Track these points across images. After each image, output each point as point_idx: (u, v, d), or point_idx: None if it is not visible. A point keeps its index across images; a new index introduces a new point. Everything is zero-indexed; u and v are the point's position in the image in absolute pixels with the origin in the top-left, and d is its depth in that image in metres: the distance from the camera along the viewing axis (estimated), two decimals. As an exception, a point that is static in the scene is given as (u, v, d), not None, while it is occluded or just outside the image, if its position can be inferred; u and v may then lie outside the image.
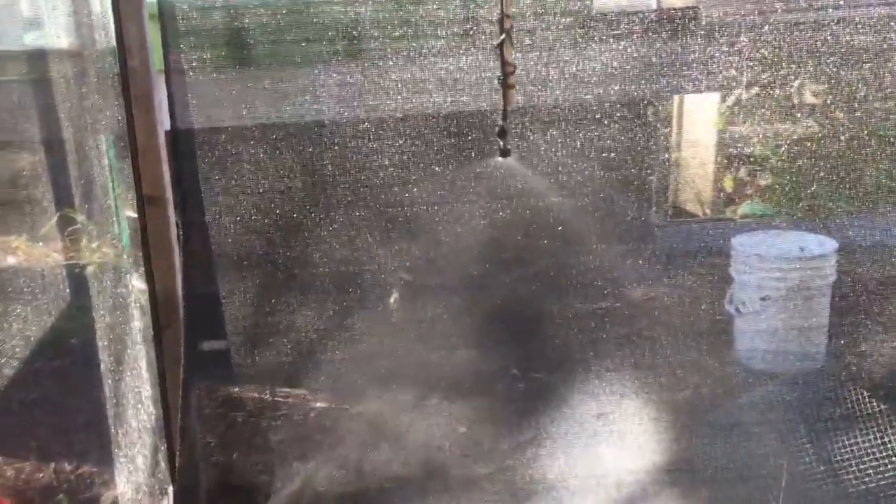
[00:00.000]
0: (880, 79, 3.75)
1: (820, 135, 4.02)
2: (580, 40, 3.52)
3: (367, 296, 3.87)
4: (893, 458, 3.97)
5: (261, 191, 3.77)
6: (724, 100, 4.70)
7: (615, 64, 3.55)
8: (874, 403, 4.09)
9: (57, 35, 4.51)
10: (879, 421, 3.90)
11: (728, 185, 4.93)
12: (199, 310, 3.78)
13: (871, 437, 3.83)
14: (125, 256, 4.37)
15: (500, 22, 3.32)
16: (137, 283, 4.10)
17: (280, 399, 4.03)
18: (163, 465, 3.91)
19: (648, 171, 3.91)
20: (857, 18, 3.65)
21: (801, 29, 3.66)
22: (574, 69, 3.56)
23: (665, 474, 3.87)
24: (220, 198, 3.77)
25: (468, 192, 3.76)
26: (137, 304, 4.11)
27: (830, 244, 4.42)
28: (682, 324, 4.18)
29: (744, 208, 4.91)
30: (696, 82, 3.74)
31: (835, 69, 3.72)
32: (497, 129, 3.42)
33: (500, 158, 3.47)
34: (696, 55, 3.62)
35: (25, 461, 4.33)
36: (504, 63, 3.29)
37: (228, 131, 3.70)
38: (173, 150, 3.66)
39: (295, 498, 3.78)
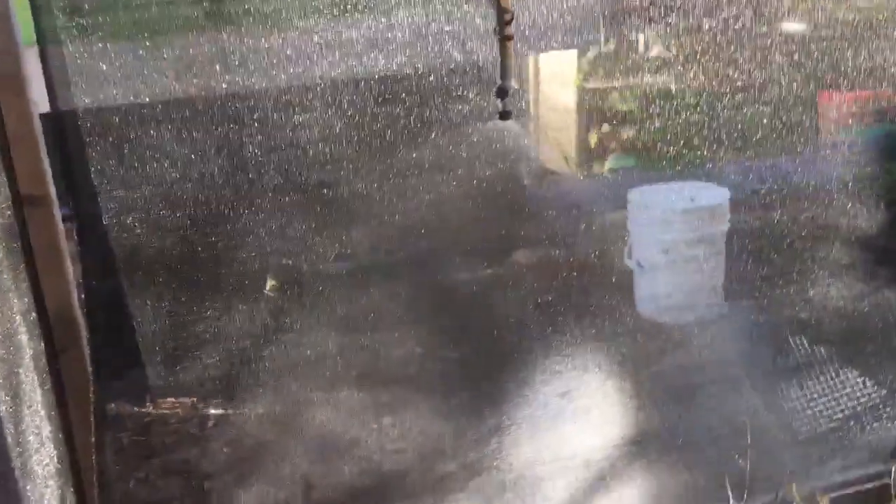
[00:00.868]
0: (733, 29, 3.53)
1: (677, 87, 3.75)
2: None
3: (306, 291, 3.24)
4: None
5: (169, 181, 3.04)
6: (581, 56, 4.46)
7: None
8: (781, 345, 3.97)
9: None
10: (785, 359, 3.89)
11: (592, 140, 4.73)
12: (105, 326, 3.01)
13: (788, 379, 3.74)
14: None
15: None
16: (21, 303, 3.26)
17: (210, 419, 3.33)
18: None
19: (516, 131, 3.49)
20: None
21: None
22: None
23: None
24: (120, 192, 3.03)
25: (412, 166, 3.20)
26: (24, 328, 3.28)
27: (722, 193, 4.22)
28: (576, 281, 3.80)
29: (610, 162, 4.70)
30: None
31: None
32: (495, 88, 2.89)
33: (498, 121, 2.93)
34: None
35: None
36: (500, 10, 2.76)
37: (123, 111, 2.96)
38: (54, 138, 2.87)
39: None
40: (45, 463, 3.14)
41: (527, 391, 3.65)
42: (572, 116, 4.74)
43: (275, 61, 3.11)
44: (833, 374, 3.86)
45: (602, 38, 3.75)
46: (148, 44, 3.05)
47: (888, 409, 3.63)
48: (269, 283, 3.29)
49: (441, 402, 3.64)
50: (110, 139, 3.06)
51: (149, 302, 3.15)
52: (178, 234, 3.14)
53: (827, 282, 4.09)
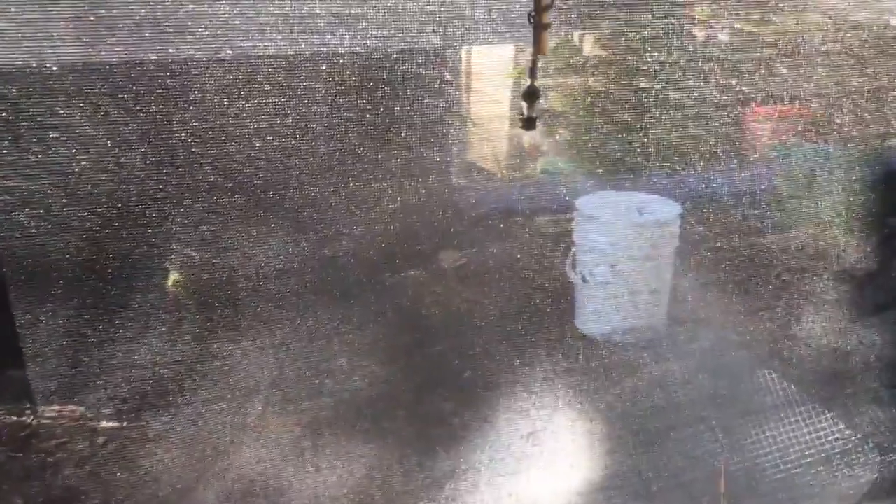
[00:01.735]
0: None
1: (614, 89, 3.45)
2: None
3: (243, 312, 2.60)
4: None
5: (76, 170, 2.35)
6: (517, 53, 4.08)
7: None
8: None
9: None
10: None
11: (525, 141, 4.36)
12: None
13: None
14: None
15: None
16: None
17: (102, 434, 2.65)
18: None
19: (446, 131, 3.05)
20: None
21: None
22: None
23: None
24: (7, 182, 2.30)
25: (377, 167, 2.63)
26: None
27: (673, 207, 3.94)
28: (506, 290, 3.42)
29: (542, 164, 4.34)
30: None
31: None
32: (524, 89, 2.28)
33: (521, 130, 2.33)
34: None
35: None
36: None
37: (19, 79, 2.25)
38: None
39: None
40: None
41: (453, 416, 3.14)
42: (504, 113, 4.28)
43: (219, 31, 2.45)
44: (791, 402, 3.55)
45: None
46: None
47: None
48: (193, 299, 2.62)
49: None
50: (1, 114, 2.32)
51: (43, 324, 2.42)
52: (84, 237, 2.43)
53: (783, 303, 3.78)
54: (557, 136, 4.31)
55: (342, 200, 2.82)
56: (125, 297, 2.65)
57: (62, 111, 2.49)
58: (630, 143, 3.73)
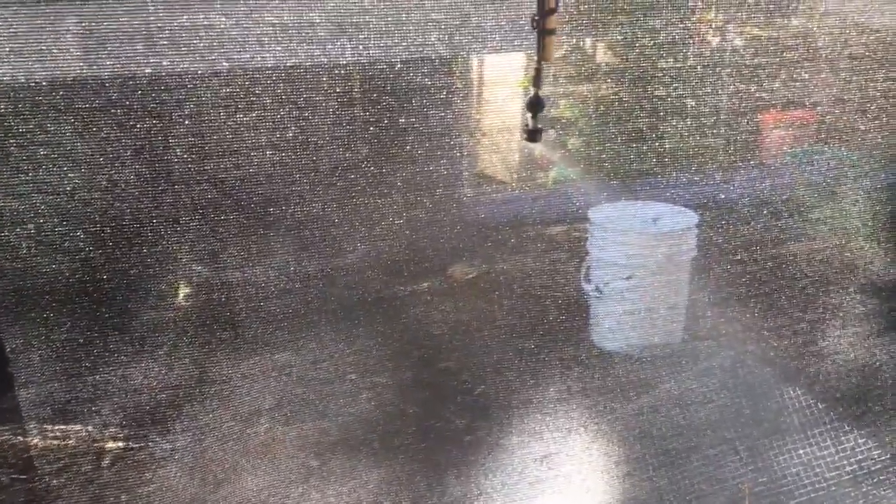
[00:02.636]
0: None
1: (626, 97, 3.31)
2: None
3: (245, 334, 2.46)
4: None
5: (68, 188, 2.22)
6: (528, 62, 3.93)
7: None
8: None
9: None
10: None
11: (536, 150, 4.22)
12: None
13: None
14: None
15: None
16: None
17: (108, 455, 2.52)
18: None
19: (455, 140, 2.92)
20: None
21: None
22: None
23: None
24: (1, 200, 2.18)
25: (381, 181, 2.48)
26: None
27: (689, 217, 3.81)
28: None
29: (554, 173, 4.21)
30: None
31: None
32: (528, 98, 2.10)
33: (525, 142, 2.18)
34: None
35: None
36: None
37: (10, 95, 2.13)
38: None
39: None
40: None
41: (465, 434, 2.99)
42: (514, 121, 4.16)
43: (214, 43, 2.32)
44: (809, 414, 3.39)
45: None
46: (48, 9, 2.21)
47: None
48: (193, 319, 2.49)
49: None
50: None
51: (33, 348, 2.29)
52: (78, 257, 2.30)
53: (802, 315, 3.62)
54: (570, 145, 4.19)
55: (346, 216, 2.69)
56: (119, 319, 2.51)
57: (52, 128, 2.37)
58: (645, 151, 3.59)
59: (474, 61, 3.49)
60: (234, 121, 2.41)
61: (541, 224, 3.77)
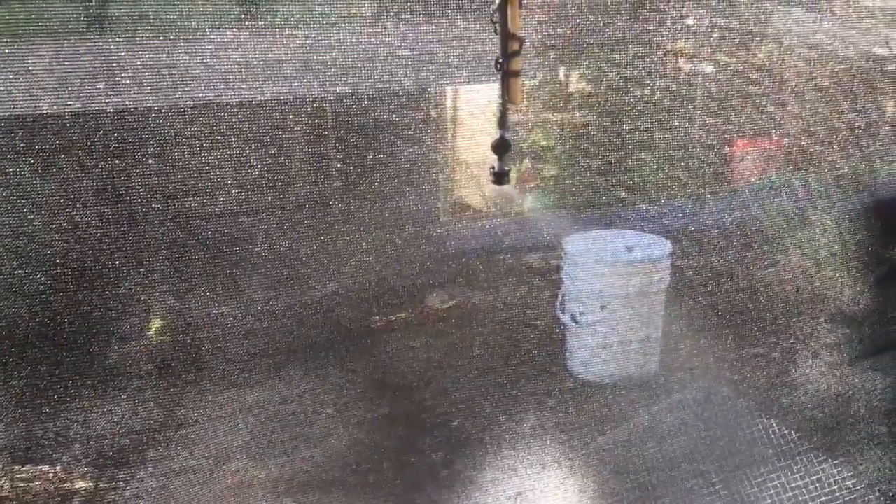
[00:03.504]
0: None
1: (597, 124, 3.33)
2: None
3: (206, 375, 2.39)
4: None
5: (28, 230, 2.15)
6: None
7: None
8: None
9: None
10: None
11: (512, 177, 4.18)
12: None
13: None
14: None
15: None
16: None
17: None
18: None
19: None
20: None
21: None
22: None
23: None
24: None
25: (350, 218, 2.44)
26: None
27: (663, 244, 3.81)
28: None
29: (530, 201, 4.20)
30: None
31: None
32: (494, 141, 2.04)
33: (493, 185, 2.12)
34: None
35: None
36: (506, 35, 1.92)
37: None
38: None
39: None
40: None
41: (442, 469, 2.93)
42: (482, 155, 4.09)
43: (178, 81, 2.27)
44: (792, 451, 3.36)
45: (531, 72, 3.16)
46: (8, 50, 2.15)
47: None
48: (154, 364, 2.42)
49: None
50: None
51: None
52: (37, 300, 2.22)
53: (778, 343, 3.61)
54: (543, 175, 4.17)
55: (315, 254, 2.63)
56: (81, 363, 2.43)
57: (10, 168, 2.30)
58: (617, 181, 3.58)
59: (441, 97, 3.48)
60: (197, 159, 2.36)
61: (514, 256, 3.73)
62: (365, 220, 2.57)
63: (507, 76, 1.88)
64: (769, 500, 3.22)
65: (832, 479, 3.29)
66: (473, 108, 3.24)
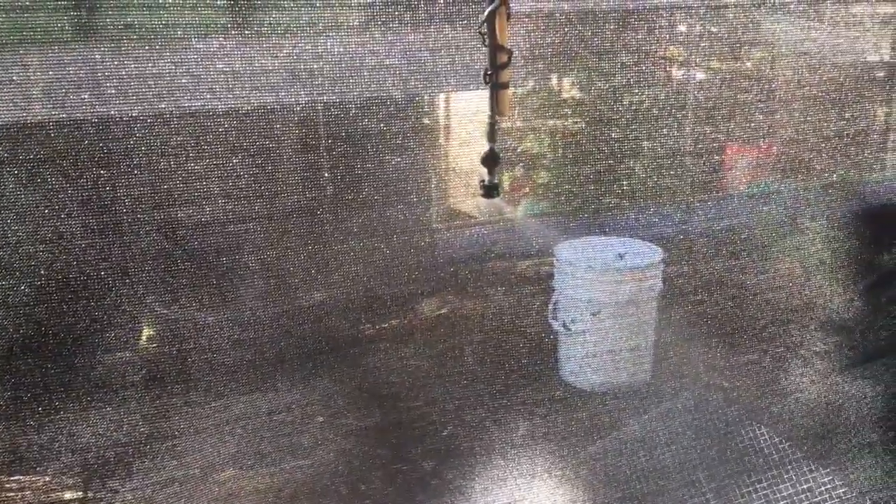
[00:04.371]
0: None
1: (590, 131, 3.31)
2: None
3: (193, 387, 2.36)
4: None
5: (12, 241, 2.12)
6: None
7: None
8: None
9: None
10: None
11: (505, 183, 4.20)
12: None
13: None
14: None
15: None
16: None
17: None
18: None
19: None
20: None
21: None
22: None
23: None
24: None
25: (338, 227, 2.41)
26: None
27: (654, 251, 3.83)
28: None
29: (524, 207, 4.19)
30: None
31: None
32: (483, 154, 2.00)
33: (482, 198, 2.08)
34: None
35: None
36: (494, 48, 1.89)
37: None
38: None
39: None
40: None
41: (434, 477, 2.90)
42: (471, 164, 4.09)
43: (164, 91, 2.24)
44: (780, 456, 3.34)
45: (519, 78, 3.14)
46: None
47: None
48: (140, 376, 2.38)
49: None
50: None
51: None
52: (21, 313, 2.19)
53: (769, 350, 3.59)
54: (534, 183, 4.16)
55: (303, 263, 2.60)
56: (66, 375, 2.40)
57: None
58: (609, 188, 3.57)
59: (430, 105, 3.46)
60: (183, 169, 2.32)
61: (507, 262, 3.71)
62: (353, 229, 2.54)
63: (496, 88, 1.84)
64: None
65: (823, 488, 3.26)
66: (462, 116, 3.21)
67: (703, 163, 3.56)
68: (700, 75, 3.58)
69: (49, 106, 2.20)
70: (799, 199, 3.95)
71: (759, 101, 3.54)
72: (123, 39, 2.30)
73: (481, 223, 4.01)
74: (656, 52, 3.19)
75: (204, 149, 2.36)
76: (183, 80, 2.31)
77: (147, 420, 2.43)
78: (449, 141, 3.74)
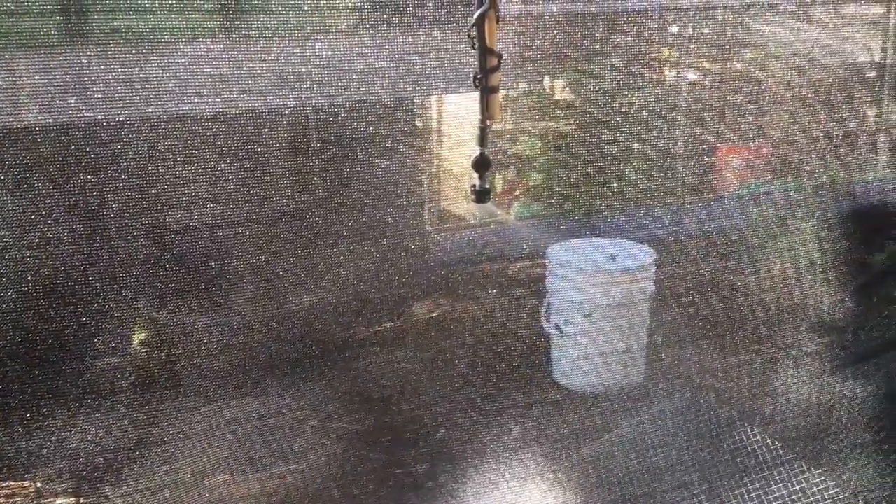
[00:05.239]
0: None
1: (580, 133, 3.30)
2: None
3: (183, 392, 2.33)
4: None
5: None
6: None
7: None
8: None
9: None
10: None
11: (497, 186, 4.19)
12: None
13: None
14: None
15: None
16: None
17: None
18: None
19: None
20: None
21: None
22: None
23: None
24: None
25: (327, 231, 2.39)
26: None
27: (646, 252, 3.78)
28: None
29: (516, 209, 4.17)
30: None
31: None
32: (473, 158, 1.97)
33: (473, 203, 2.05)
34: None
35: None
36: (484, 51, 1.86)
37: None
38: None
39: None
40: None
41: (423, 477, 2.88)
42: (462, 166, 4.10)
43: (152, 95, 2.22)
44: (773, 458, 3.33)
45: (511, 80, 3.12)
46: None
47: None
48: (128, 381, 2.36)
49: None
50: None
51: None
52: (8, 319, 2.16)
53: (761, 351, 3.58)
54: (526, 185, 4.14)
55: (293, 267, 2.58)
56: (54, 380, 2.37)
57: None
58: (601, 190, 3.56)
59: (419, 109, 3.44)
60: (170, 173, 2.30)
61: (499, 265, 3.70)
62: (344, 232, 2.52)
63: (486, 92, 1.82)
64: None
65: (815, 489, 3.25)
66: (452, 119, 3.20)
67: (695, 164, 3.55)
68: (690, 76, 3.57)
69: (36, 111, 2.17)
70: (790, 199, 3.94)
71: (750, 102, 3.53)
72: (111, 43, 2.28)
73: (473, 226, 3.99)
74: (646, 54, 3.18)
75: (192, 153, 2.34)
76: (171, 85, 2.28)
77: (137, 426, 2.41)
78: (439, 144, 3.72)
